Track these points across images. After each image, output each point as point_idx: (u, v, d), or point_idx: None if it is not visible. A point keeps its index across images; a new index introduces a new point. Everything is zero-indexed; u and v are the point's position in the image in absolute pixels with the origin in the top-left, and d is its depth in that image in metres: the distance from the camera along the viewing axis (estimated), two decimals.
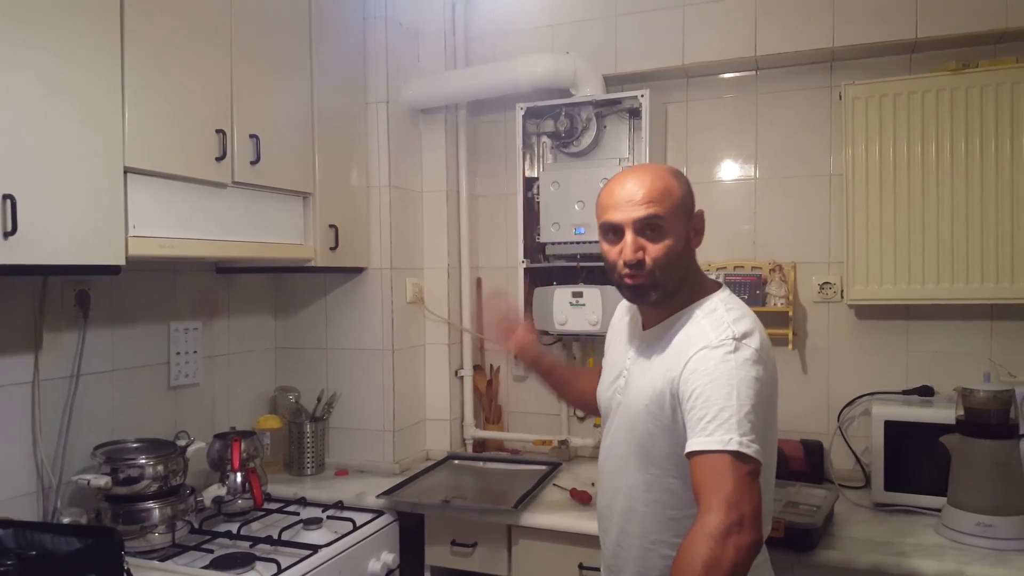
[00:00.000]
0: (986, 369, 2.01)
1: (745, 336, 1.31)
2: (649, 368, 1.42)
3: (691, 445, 1.24)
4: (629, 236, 1.37)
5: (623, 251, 1.38)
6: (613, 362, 1.59)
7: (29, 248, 1.45)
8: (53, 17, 1.51)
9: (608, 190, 1.43)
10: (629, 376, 1.49)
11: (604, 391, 1.58)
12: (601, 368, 1.66)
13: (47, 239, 1.50)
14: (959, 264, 2.13)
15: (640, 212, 1.36)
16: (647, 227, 1.37)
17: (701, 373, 1.28)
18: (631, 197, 1.37)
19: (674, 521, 1.39)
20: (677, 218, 1.38)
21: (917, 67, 2.30)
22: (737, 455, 1.20)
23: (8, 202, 1.41)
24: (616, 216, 1.39)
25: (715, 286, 1.47)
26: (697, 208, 1.44)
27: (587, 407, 1.83)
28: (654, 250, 1.37)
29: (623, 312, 1.63)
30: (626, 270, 1.39)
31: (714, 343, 1.30)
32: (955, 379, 2.08)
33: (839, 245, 2.35)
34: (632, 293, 1.43)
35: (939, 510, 1.94)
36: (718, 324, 1.34)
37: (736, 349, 1.28)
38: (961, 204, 2.12)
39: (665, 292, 1.40)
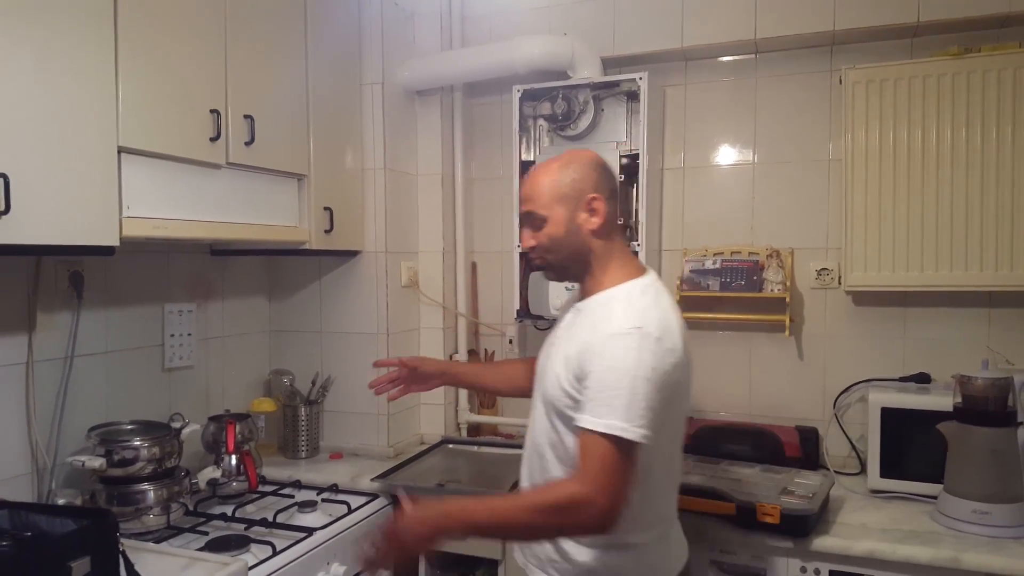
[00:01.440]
0: (984, 356, 2.01)
1: (648, 324, 1.38)
2: (568, 342, 1.50)
3: (581, 420, 1.36)
4: (520, 228, 1.59)
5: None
6: (552, 332, 1.66)
7: (23, 227, 1.43)
8: None
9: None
10: (551, 345, 1.58)
11: (540, 356, 1.65)
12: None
13: (41, 219, 1.48)
14: (957, 251, 2.12)
15: (521, 209, 1.58)
16: (527, 221, 1.55)
17: (602, 357, 1.36)
18: (521, 194, 1.59)
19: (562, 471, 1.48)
20: (554, 208, 1.50)
21: (918, 51, 2.29)
22: (618, 440, 1.30)
23: (1, 181, 1.38)
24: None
25: (639, 271, 1.53)
26: (592, 194, 1.50)
27: (519, 391, 1.85)
28: (536, 238, 1.53)
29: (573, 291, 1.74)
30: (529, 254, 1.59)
31: (617, 330, 1.38)
32: (952, 366, 2.08)
33: (837, 231, 2.35)
34: (535, 270, 1.61)
35: (935, 497, 1.95)
36: (625, 311, 1.42)
37: (637, 338, 1.35)
38: (960, 190, 2.11)
39: (557, 271, 1.57)
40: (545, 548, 1.50)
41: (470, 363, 2.05)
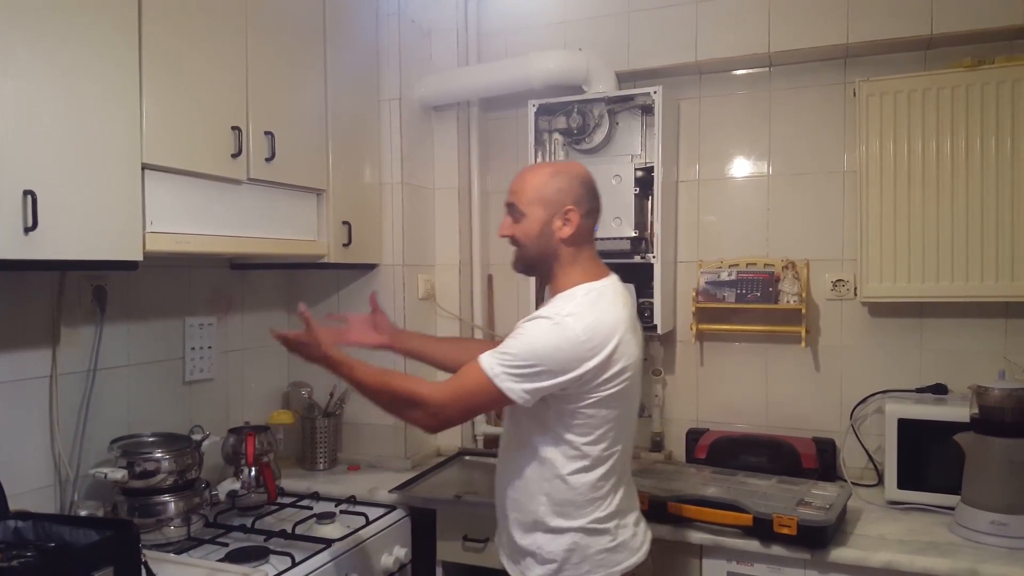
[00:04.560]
0: (1001, 367, 2.00)
1: (566, 314, 1.53)
2: None
3: (481, 356, 1.54)
4: (505, 217, 1.70)
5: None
6: None
7: (49, 243, 1.47)
8: (72, 15, 1.53)
9: None
10: None
11: None
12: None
13: (67, 234, 1.51)
14: (973, 262, 2.12)
15: (506, 199, 1.70)
16: (509, 211, 1.69)
17: (521, 327, 1.55)
18: (509, 187, 1.70)
19: (520, 463, 1.65)
20: (534, 207, 1.64)
21: (932, 63, 2.29)
22: (487, 379, 1.50)
23: (29, 198, 1.42)
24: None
25: (597, 277, 1.64)
26: (569, 206, 1.63)
27: None
28: (513, 229, 1.68)
29: None
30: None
31: (540, 315, 1.56)
32: (969, 377, 2.07)
33: (852, 242, 2.35)
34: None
35: (953, 508, 1.94)
36: (559, 304, 1.57)
37: (555, 322, 1.52)
38: (976, 201, 2.11)
39: (524, 264, 1.71)
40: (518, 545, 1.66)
41: (424, 335, 2.18)
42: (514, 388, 1.50)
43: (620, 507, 1.63)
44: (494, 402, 1.55)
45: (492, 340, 2.07)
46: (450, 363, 1.91)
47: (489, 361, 1.52)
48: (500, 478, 1.73)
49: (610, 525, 1.60)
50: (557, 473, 1.58)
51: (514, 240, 1.69)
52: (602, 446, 1.58)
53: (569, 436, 1.57)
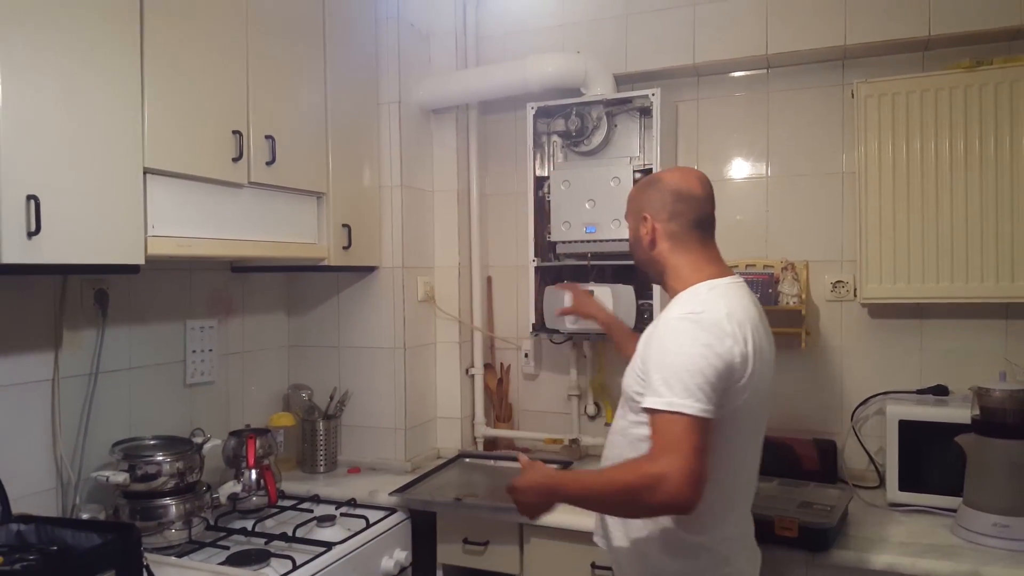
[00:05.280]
0: (1002, 368, 2.01)
1: (704, 311, 1.46)
2: (642, 341, 1.61)
3: (645, 402, 1.43)
4: None
5: None
6: None
7: (52, 247, 1.48)
8: (74, 21, 1.53)
9: None
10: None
11: None
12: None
13: (69, 238, 1.52)
14: (973, 262, 2.12)
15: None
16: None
17: (659, 340, 1.46)
18: None
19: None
20: (629, 218, 1.71)
21: (930, 65, 2.30)
22: (680, 416, 1.36)
23: (32, 202, 1.43)
24: None
25: (717, 275, 1.58)
26: (647, 214, 1.64)
27: None
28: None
29: None
30: None
31: (675, 316, 1.48)
32: (970, 378, 2.07)
33: (852, 243, 2.35)
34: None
35: (954, 510, 1.94)
36: (687, 302, 1.51)
37: (691, 321, 1.45)
38: (975, 202, 2.11)
39: (640, 271, 1.73)
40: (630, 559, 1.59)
41: (622, 323, 2.24)
42: (699, 406, 1.36)
43: (739, 513, 1.59)
44: (703, 430, 1.37)
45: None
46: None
47: (660, 400, 1.38)
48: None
49: (726, 535, 1.55)
50: None
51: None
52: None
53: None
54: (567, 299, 2.33)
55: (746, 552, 1.62)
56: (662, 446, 1.37)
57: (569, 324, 2.48)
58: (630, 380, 1.55)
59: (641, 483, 1.35)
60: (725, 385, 1.42)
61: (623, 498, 1.41)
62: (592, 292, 2.40)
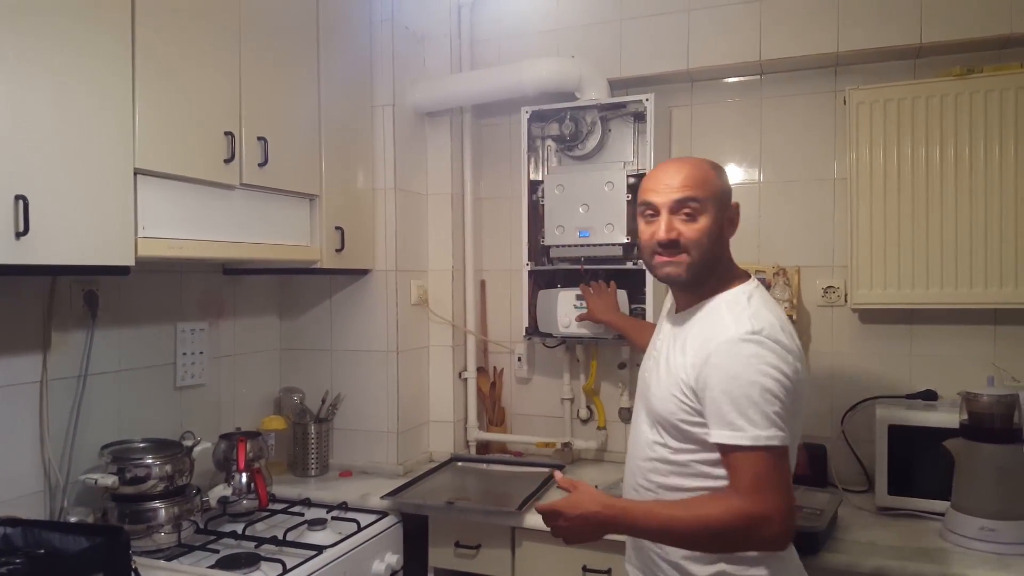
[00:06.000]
0: (990, 374, 2.02)
1: (765, 329, 1.36)
2: (675, 353, 1.47)
3: (717, 436, 1.33)
4: (664, 216, 1.46)
5: (657, 231, 1.47)
6: (652, 340, 1.65)
7: (41, 248, 1.47)
8: (65, 20, 1.53)
9: (651, 174, 1.55)
10: (656, 357, 1.55)
11: (642, 367, 1.65)
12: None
13: (58, 239, 1.51)
14: (963, 269, 2.13)
15: (677, 194, 1.45)
16: (682, 209, 1.45)
17: (724, 367, 1.33)
18: (670, 181, 1.46)
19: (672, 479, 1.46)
20: (712, 204, 1.45)
21: (921, 72, 2.31)
22: (766, 450, 1.29)
23: (20, 203, 1.42)
24: (653, 196, 1.48)
25: (744, 276, 1.52)
26: (735, 203, 1.52)
27: None
28: (689, 231, 1.45)
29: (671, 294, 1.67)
30: (659, 248, 1.47)
31: (735, 336, 1.35)
32: (959, 383, 2.08)
33: (843, 249, 2.36)
34: (662, 274, 1.50)
35: (942, 514, 1.95)
36: (739, 317, 1.39)
37: (757, 342, 1.33)
38: (965, 209, 2.13)
39: (695, 273, 1.46)
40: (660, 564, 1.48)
41: (631, 319, 2.25)
42: (781, 436, 1.31)
43: None
44: (788, 459, 1.34)
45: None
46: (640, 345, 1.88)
47: (742, 436, 1.30)
48: (638, 491, 1.53)
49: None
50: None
51: (686, 243, 1.45)
52: None
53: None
54: (560, 303, 2.33)
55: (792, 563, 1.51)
56: (756, 485, 1.29)
57: (576, 328, 2.50)
58: (670, 406, 1.43)
59: (742, 524, 1.28)
60: (795, 408, 1.36)
61: (717, 538, 1.32)
62: (611, 283, 2.44)
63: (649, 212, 1.50)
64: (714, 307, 1.45)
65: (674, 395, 1.42)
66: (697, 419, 1.39)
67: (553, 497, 2.23)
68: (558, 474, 1.55)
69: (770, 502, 1.28)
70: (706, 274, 1.48)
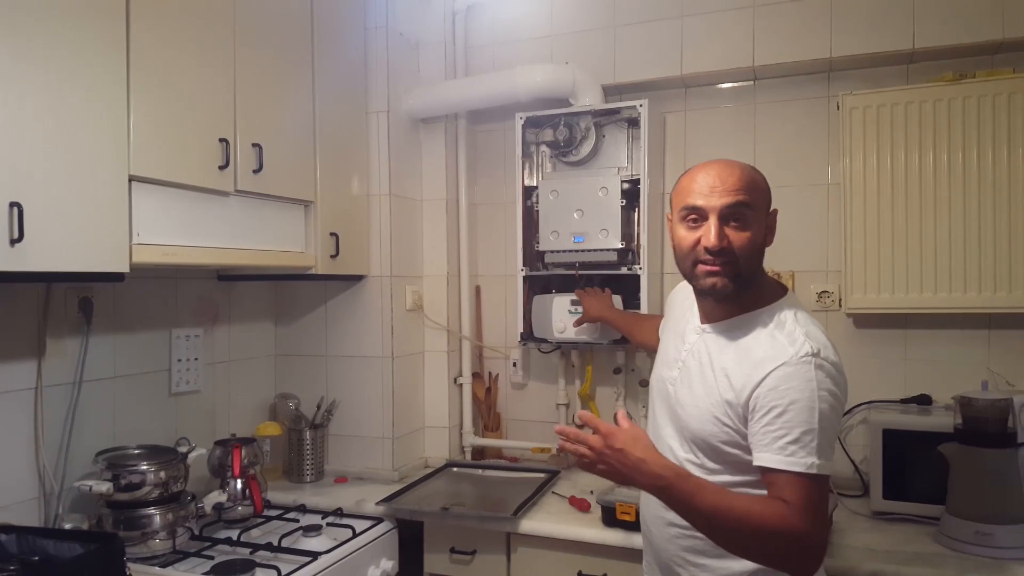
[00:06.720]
0: (984, 378, 2.02)
1: (821, 351, 1.32)
2: (715, 372, 1.40)
3: (771, 461, 1.28)
4: (714, 222, 1.35)
5: (704, 237, 1.37)
6: (667, 349, 1.58)
7: (35, 255, 1.47)
8: (59, 27, 1.53)
9: (692, 175, 1.42)
10: (685, 370, 1.47)
11: (657, 374, 1.58)
12: (655, 318, 1.88)
13: (53, 246, 1.51)
14: (957, 273, 2.14)
15: (729, 199, 1.35)
16: (733, 216, 1.36)
17: (782, 391, 1.29)
18: (719, 184, 1.36)
19: None
20: (760, 211, 1.38)
21: (914, 77, 2.32)
22: (817, 477, 1.26)
23: (15, 210, 1.42)
24: (701, 200, 1.37)
25: (781, 290, 1.46)
26: (774, 208, 1.44)
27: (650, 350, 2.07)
28: (738, 239, 1.35)
29: (685, 294, 1.61)
30: (706, 257, 1.37)
31: (793, 360, 1.30)
32: (953, 388, 2.08)
33: (837, 254, 2.37)
34: (706, 284, 1.39)
35: (938, 519, 1.95)
36: (794, 337, 1.34)
37: (816, 366, 1.29)
38: (958, 213, 2.14)
39: (740, 285, 1.38)
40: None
41: (628, 314, 2.27)
42: (831, 465, 1.28)
43: None
44: (828, 488, 1.31)
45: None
46: (651, 341, 1.82)
47: (801, 463, 1.25)
48: (659, 508, 1.45)
49: None
50: None
51: (733, 251, 1.36)
52: None
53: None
54: (555, 308, 2.33)
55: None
56: (809, 507, 1.24)
57: (572, 333, 2.49)
58: (711, 428, 1.37)
59: (787, 533, 1.23)
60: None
61: (755, 537, 1.25)
62: (606, 289, 2.45)
63: (693, 217, 1.39)
64: (757, 322, 1.38)
65: (717, 417, 1.37)
66: (738, 440, 1.35)
67: (549, 505, 2.24)
68: (622, 411, 1.40)
69: (816, 527, 1.25)
70: (748, 286, 1.40)
